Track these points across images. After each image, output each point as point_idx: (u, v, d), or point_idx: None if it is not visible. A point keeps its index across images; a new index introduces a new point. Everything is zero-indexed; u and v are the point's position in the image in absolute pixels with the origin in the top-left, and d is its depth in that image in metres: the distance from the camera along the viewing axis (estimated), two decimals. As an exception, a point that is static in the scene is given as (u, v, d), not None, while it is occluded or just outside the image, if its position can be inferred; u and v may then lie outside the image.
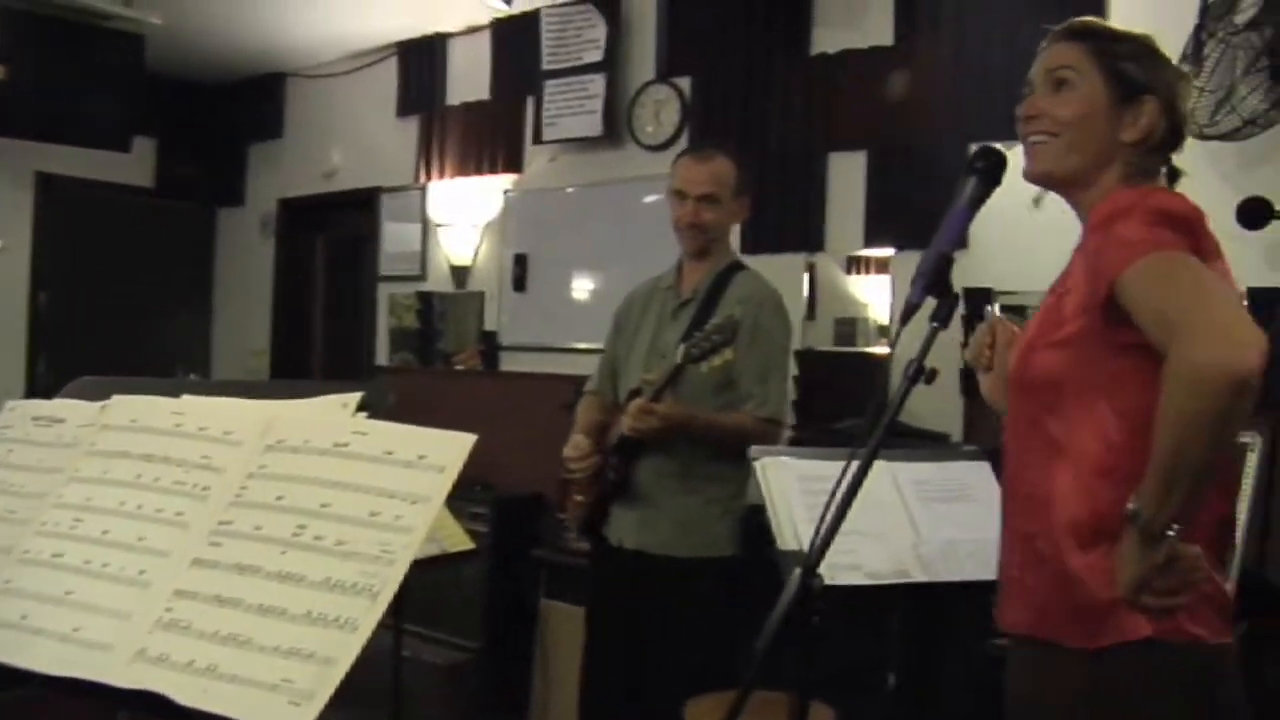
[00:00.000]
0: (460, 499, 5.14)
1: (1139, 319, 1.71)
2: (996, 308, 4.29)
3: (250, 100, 7.80)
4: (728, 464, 3.29)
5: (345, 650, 1.45)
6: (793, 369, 4.84)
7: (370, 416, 1.71)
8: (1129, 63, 1.91)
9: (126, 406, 1.86)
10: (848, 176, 4.92)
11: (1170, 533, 1.68)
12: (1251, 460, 2.92)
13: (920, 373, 1.82)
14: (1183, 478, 1.65)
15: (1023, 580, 1.91)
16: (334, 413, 1.76)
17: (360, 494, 1.58)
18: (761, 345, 3.33)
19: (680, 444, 3.29)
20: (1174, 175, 1.97)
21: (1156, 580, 1.70)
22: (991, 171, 1.88)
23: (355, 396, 1.75)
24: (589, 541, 3.57)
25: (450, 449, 1.56)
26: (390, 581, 1.49)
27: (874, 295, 4.88)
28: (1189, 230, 1.76)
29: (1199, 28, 3.76)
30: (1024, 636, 1.92)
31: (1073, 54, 1.94)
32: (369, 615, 1.47)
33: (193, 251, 8.15)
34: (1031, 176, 1.98)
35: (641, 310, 3.57)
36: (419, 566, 3.23)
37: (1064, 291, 1.89)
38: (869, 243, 4.85)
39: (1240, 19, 3.68)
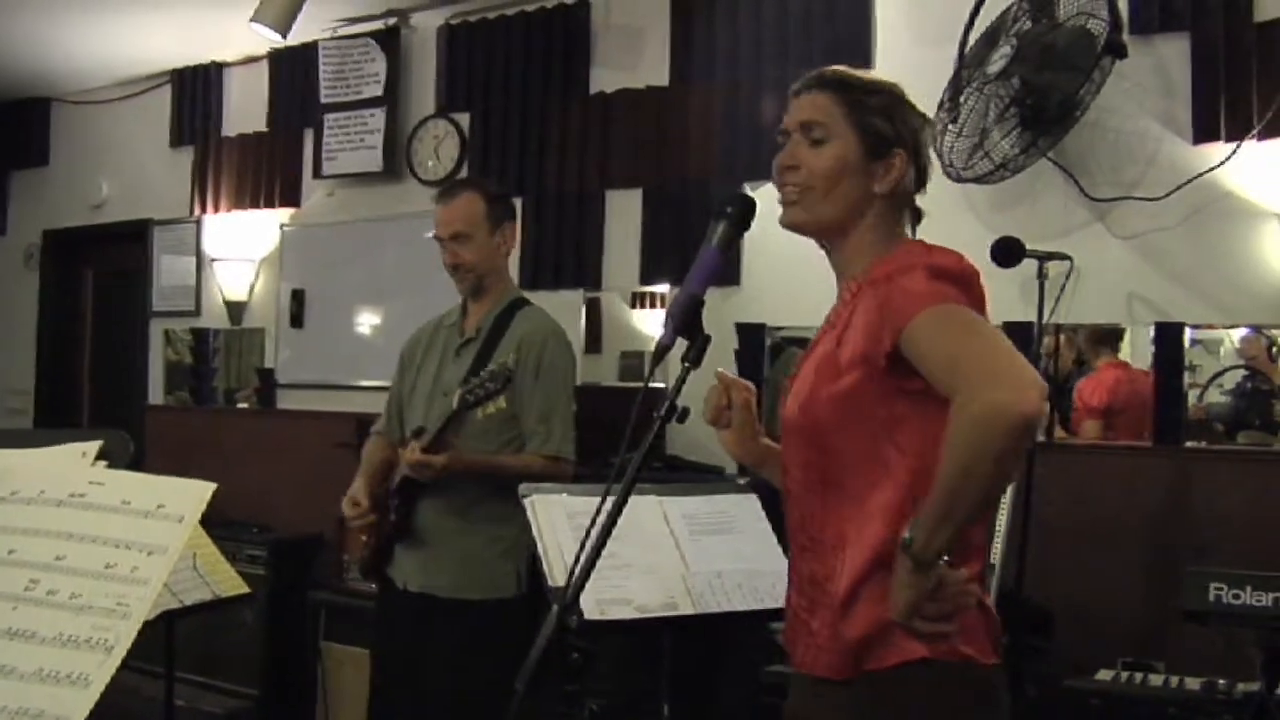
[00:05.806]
0: (236, 540, 5.04)
1: (925, 364, 1.77)
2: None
3: (12, 125, 7.44)
4: (509, 504, 3.23)
5: (77, 707, 1.41)
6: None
7: (111, 465, 1.66)
8: (879, 118, 1.96)
9: None
10: (624, 214, 5.01)
11: (941, 561, 1.74)
12: (1008, 487, 3.06)
13: (673, 411, 1.86)
14: (958, 510, 1.71)
15: (810, 623, 1.93)
16: (72, 462, 1.71)
17: (96, 546, 1.53)
18: (545, 382, 3.33)
19: (460, 485, 3.25)
20: (918, 215, 2.05)
21: (927, 606, 1.77)
22: (740, 216, 1.92)
23: (94, 445, 1.70)
24: (375, 583, 3.50)
25: (189, 497, 1.52)
26: (125, 635, 1.45)
27: (658, 329, 4.93)
28: (966, 286, 1.85)
29: (956, 75, 3.95)
30: (811, 677, 1.94)
31: (826, 106, 1.97)
32: (103, 670, 1.43)
33: (-53, 285, 7.68)
34: (787, 225, 2.02)
35: (426, 348, 3.53)
36: (192, 612, 3.16)
37: (839, 340, 1.92)
38: (645, 279, 4.94)
39: (992, 69, 3.87)
